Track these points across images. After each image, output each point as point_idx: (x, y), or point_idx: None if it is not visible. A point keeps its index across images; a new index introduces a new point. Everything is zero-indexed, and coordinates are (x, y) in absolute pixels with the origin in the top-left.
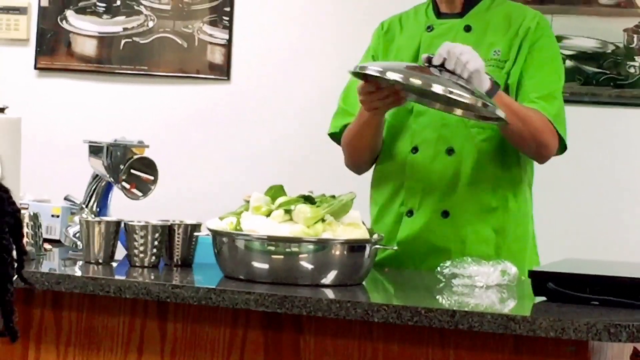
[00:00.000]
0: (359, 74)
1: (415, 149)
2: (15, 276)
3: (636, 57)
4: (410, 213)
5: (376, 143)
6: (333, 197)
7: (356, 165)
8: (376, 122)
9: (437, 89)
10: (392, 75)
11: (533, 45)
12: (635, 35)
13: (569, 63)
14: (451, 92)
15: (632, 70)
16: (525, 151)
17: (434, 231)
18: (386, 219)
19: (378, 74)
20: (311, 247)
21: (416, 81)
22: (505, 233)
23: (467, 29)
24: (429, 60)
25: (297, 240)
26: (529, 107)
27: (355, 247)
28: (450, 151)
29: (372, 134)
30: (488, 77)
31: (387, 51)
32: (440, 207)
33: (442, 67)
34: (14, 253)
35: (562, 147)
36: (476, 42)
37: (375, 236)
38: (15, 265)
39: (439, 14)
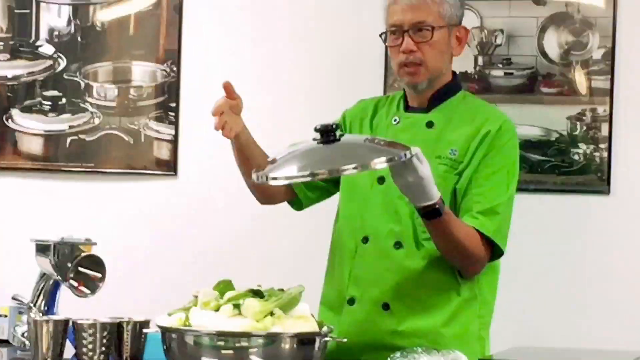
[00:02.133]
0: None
1: (365, 239)
2: None
3: (580, 145)
4: (351, 302)
5: (256, 162)
6: (281, 290)
7: (262, 193)
8: (244, 140)
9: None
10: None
11: (489, 152)
12: (578, 123)
13: None
14: (338, 170)
15: (576, 157)
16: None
17: (376, 324)
18: (331, 306)
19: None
20: (261, 341)
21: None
22: (446, 329)
23: (429, 124)
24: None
25: (247, 335)
26: (466, 227)
27: (305, 340)
28: (398, 245)
29: (253, 154)
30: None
31: (353, 132)
32: (382, 299)
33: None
34: None
35: (499, 254)
36: (436, 138)
37: (324, 329)
38: None
39: (407, 107)
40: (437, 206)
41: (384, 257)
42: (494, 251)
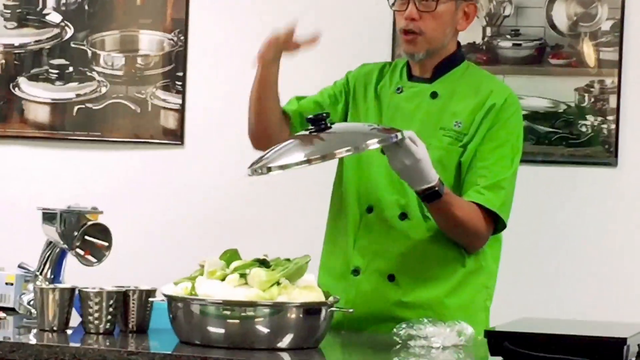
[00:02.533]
0: None
1: (370, 209)
2: None
3: (588, 116)
4: (356, 272)
5: (275, 103)
6: (288, 260)
7: (261, 131)
8: (270, 75)
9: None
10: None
11: (493, 125)
12: (586, 95)
13: None
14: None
15: (583, 129)
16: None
17: (381, 295)
18: (334, 274)
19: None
20: (267, 311)
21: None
22: (451, 300)
23: (434, 95)
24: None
25: (253, 305)
26: (467, 204)
27: (311, 310)
28: (403, 216)
29: (269, 90)
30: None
31: (356, 97)
32: (387, 271)
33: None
34: None
35: (502, 227)
36: (440, 110)
37: (331, 299)
38: None
39: (410, 76)
40: (436, 188)
41: (389, 228)
42: (497, 225)
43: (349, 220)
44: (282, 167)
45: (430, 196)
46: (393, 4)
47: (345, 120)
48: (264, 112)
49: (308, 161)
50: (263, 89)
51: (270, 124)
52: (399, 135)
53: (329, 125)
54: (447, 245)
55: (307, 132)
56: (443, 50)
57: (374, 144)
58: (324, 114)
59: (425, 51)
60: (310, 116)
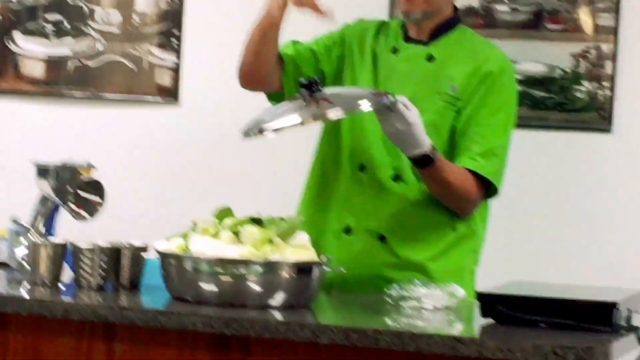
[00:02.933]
0: None
1: (362, 167)
2: None
3: (583, 82)
4: (347, 231)
5: (275, 45)
6: (282, 219)
7: (255, 70)
8: (278, 16)
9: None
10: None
11: (489, 92)
12: (582, 60)
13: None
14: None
15: (579, 94)
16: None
17: (371, 255)
18: (323, 229)
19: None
20: (259, 268)
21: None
22: (441, 263)
23: (430, 58)
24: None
25: (245, 262)
26: (460, 170)
27: (303, 269)
28: (397, 178)
29: (274, 31)
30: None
31: (352, 52)
32: (378, 231)
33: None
34: None
35: (494, 194)
36: (436, 73)
37: (323, 258)
38: None
39: (406, 38)
40: (428, 154)
41: (382, 189)
42: (490, 191)
43: (339, 178)
44: (275, 130)
45: (422, 162)
46: None
47: (338, 71)
48: (263, 52)
49: (301, 123)
50: (269, 29)
51: (265, 65)
52: (391, 99)
53: (320, 89)
54: (439, 209)
55: (298, 96)
56: (440, 13)
57: (366, 107)
58: (316, 79)
59: (422, 12)
60: (303, 81)
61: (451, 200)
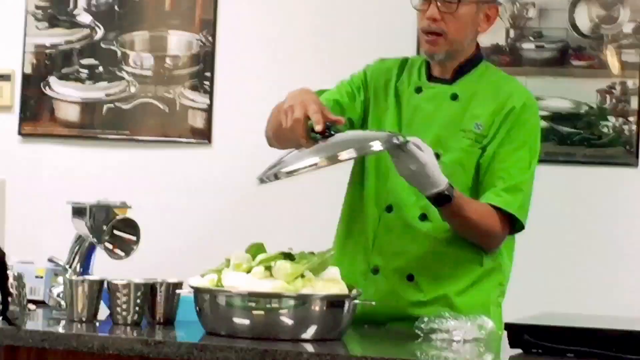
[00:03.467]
0: None
1: (389, 208)
2: (0, 317)
3: (609, 117)
4: (375, 271)
5: None
6: (312, 253)
7: (281, 142)
8: None
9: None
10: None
11: (512, 128)
12: (607, 96)
13: (543, 124)
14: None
15: (605, 130)
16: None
17: (399, 295)
18: (352, 272)
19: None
20: (291, 302)
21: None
22: (467, 297)
23: (454, 97)
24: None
25: (278, 296)
26: (482, 207)
27: (334, 302)
28: (424, 217)
29: None
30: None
31: (377, 94)
32: (406, 270)
33: None
34: None
35: (520, 229)
36: (461, 112)
37: (354, 292)
38: (0, 306)
39: (430, 77)
40: (446, 192)
41: (409, 228)
42: (515, 226)
43: (367, 220)
44: (289, 174)
45: (440, 200)
46: (416, 3)
47: (365, 115)
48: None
49: (315, 165)
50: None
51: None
52: (401, 138)
53: (332, 133)
54: (466, 245)
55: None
56: (463, 51)
57: (377, 147)
58: (328, 124)
59: (446, 52)
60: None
61: (475, 236)
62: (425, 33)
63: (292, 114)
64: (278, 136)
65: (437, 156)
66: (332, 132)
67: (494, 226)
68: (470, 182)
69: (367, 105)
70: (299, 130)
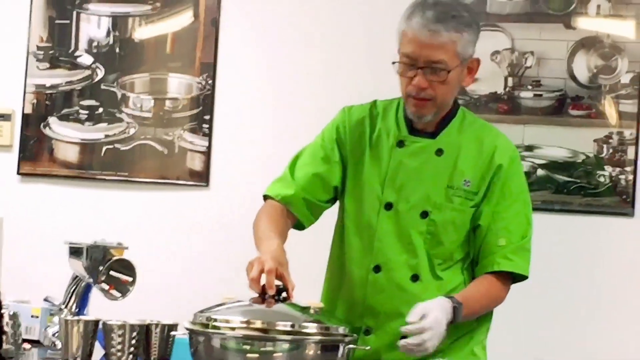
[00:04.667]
0: None
1: (377, 268)
2: None
3: (606, 167)
4: (367, 332)
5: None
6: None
7: None
8: None
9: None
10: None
11: (504, 184)
12: (605, 146)
13: (540, 172)
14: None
15: (601, 179)
16: None
17: (392, 352)
18: None
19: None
20: (286, 345)
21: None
22: (456, 346)
23: (439, 152)
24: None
25: (272, 339)
26: (483, 287)
27: (329, 346)
28: (415, 278)
29: None
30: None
31: (354, 151)
32: (399, 332)
33: None
34: None
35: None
36: (447, 168)
37: (348, 338)
38: None
39: (411, 129)
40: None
41: (401, 290)
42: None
43: (354, 279)
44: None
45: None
46: (400, 70)
47: (345, 172)
48: None
49: (247, 323)
50: None
51: None
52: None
53: (279, 299)
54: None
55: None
56: (448, 107)
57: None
58: (280, 286)
59: (434, 113)
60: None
61: (487, 310)
62: (412, 98)
63: (250, 271)
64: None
65: (426, 214)
66: (280, 298)
67: (501, 295)
68: (463, 239)
69: (345, 163)
70: (256, 289)
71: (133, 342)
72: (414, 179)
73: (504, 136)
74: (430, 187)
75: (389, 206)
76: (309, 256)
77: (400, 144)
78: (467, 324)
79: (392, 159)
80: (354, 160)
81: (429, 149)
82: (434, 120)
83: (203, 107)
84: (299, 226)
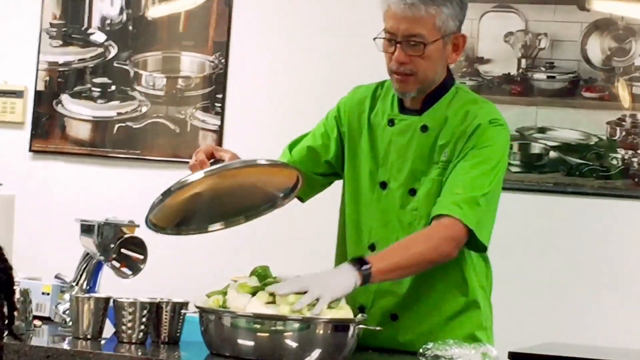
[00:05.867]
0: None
1: (372, 247)
2: (6, 332)
3: (618, 149)
4: (361, 310)
5: None
6: None
7: None
8: None
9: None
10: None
11: (476, 145)
12: (617, 128)
13: (552, 154)
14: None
15: (614, 162)
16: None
17: (383, 333)
18: None
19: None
20: (296, 325)
21: None
22: (451, 326)
23: (424, 128)
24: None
25: (283, 319)
26: (416, 239)
27: (339, 326)
28: None
29: None
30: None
31: (352, 130)
32: (391, 310)
33: None
34: (5, 309)
35: (482, 247)
36: (431, 143)
37: (359, 316)
38: (6, 320)
39: (402, 107)
40: (364, 276)
41: None
42: (476, 242)
43: (351, 257)
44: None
45: (367, 278)
46: (381, 46)
47: (342, 152)
48: None
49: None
50: None
51: None
52: None
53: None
54: (450, 277)
55: None
56: (434, 84)
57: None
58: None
59: (418, 89)
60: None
61: (428, 266)
62: (394, 73)
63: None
64: None
65: (414, 192)
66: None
67: (442, 247)
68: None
69: (342, 140)
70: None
71: (143, 319)
72: (401, 157)
73: (492, 106)
74: (417, 163)
75: (383, 185)
76: (320, 234)
77: (391, 122)
78: (451, 302)
79: (384, 138)
80: (351, 139)
81: (415, 126)
82: (419, 97)
83: (215, 86)
84: (300, 199)
